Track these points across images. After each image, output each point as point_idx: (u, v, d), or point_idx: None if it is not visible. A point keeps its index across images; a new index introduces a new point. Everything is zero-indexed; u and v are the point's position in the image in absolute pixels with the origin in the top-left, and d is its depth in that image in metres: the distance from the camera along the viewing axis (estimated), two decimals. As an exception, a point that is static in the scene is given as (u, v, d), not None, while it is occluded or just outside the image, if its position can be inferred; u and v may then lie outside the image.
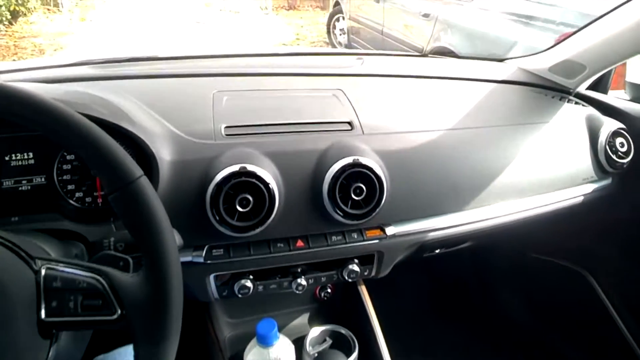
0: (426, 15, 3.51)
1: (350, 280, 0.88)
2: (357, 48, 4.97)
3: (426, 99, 1.03)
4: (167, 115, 0.82)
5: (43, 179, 0.73)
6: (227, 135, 0.80)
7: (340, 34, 5.47)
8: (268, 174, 0.75)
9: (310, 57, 1.33)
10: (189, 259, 0.77)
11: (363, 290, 1.02)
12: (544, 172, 0.99)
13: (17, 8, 7.11)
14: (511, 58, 1.37)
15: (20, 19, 7.35)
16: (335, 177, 0.78)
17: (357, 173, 0.78)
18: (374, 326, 0.97)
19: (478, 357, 1.42)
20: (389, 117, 0.92)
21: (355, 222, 0.81)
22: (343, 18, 5.35)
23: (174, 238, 0.52)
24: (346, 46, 5.33)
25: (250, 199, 0.73)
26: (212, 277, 0.81)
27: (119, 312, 0.48)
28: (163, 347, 0.48)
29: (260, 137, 0.82)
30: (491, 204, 0.93)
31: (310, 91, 0.98)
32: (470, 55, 1.53)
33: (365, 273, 0.90)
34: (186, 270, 0.78)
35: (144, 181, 0.51)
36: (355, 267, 0.87)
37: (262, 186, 0.73)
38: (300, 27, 7.79)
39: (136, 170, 0.51)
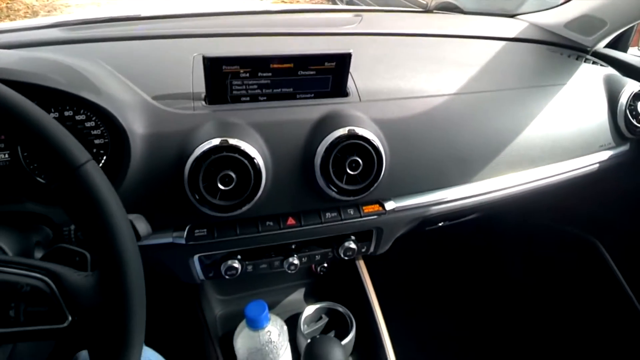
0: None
1: (346, 258, 0.82)
2: (358, 3, 4.76)
3: (431, 60, 0.93)
4: (142, 81, 0.73)
5: (6, 155, 0.66)
6: (207, 104, 0.72)
7: (341, -12, 5.22)
8: (252, 148, 0.67)
9: (305, 14, 1.22)
10: (169, 240, 0.71)
11: (361, 265, 0.97)
12: (559, 139, 0.90)
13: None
14: (523, 13, 1.27)
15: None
16: (328, 150, 0.70)
17: (353, 145, 0.71)
18: (372, 304, 0.92)
19: (482, 334, 1.39)
20: (389, 81, 0.83)
21: (351, 198, 0.74)
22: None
23: (130, 231, 0.44)
24: (347, 2, 5.11)
25: (233, 175, 0.66)
26: (196, 258, 0.75)
27: (70, 319, 0.41)
28: (124, 357, 0.42)
29: (244, 104, 0.73)
30: (501, 174, 0.85)
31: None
32: (478, 11, 1.41)
33: (363, 250, 0.84)
34: (167, 252, 0.73)
35: (90, 167, 0.43)
36: (352, 245, 0.81)
37: (246, 161, 0.66)
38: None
39: (80, 155, 0.43)
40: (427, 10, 1.33)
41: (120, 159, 0.66)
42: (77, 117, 0.66)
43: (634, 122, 0.96)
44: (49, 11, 5.81)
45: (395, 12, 1.31)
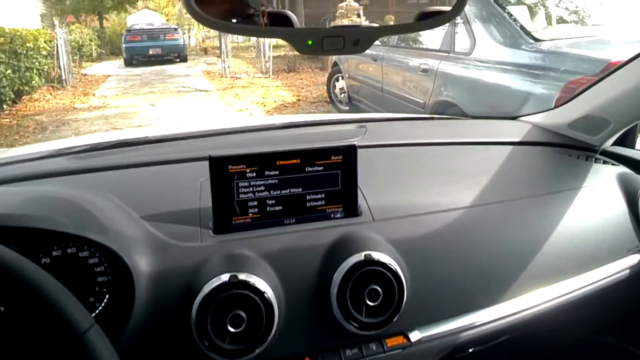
0: (425, 71, 3.49)
1: None
2: (358, 106, 4.97)
3: (440, 170, 0.92)
4: (147, 212, 0.71)
5: None
6: (215, 234, 0.69)
7: (341, 93, 5.51)
8: (263, 282, 0.63)
9: (309, 128, 1.24)
10: None
11: None
12: (583, 246, 0.85)
13: (21, 87, 7.31)
14: (524, 115, 1.28)
15: (24, 97, 7.57)
16: (345, 278, 0.65)
17: (371, 272, 0.66)
18: None
19: None
20: (401, 196, 0.81)
21: (372, 332, 0.68)
22: (342, 77, 5.41)
23: None
24: (347, 104, 5.35)
25: (244, 315, 0.61)
26: None
27: None
28: None
29: (253, 232, 0.70)
30: (530, 290, 0.79)
31: None
32: (476, 112, 1.44)
33: None
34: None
35: (94, 334, 0.40)
36: None
37: (257, 298, 0.61)
38: (301, 89, 7.92)
39: (84, 320, 0.40)
40: (429, 117, 1.35)
41: (124, 298, 0.63)
42: (81, 254, 0.64)
43: (658, 220, 0.92)
44: (57, 126, 6.10)
45: (398, 120, 1.34)
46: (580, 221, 0.87)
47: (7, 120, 6.52)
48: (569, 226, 0.85)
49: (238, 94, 7.87)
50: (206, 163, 0.68)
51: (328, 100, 6.03)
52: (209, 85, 9.11)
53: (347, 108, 5.35)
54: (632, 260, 0.90)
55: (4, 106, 6.76)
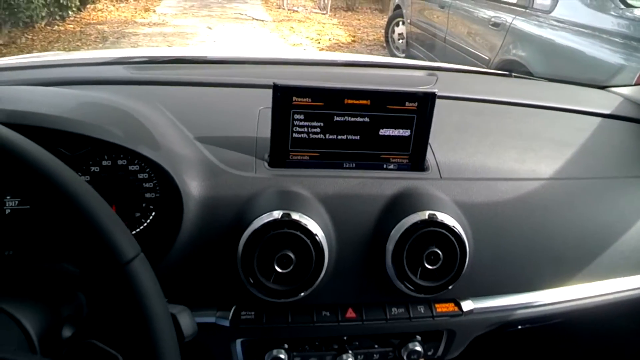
0: (496, 25, 3.23)
1: None
2: (416, 54, 4.73)
3: (520, 134, 0.82)
4: (203, 134, 0.67)
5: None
6: (270, 167, 0.64)
7: (399, 39, 5.24)
8: (316, 225, 0.58)
9: (374, 69, 1.15)
10: (212, 320, 0.62)
11: None
12: None
13: (86, -5, 7.39)
14: (615, 86, 1.14)
15: (88, 5, 7.66)
16: (404, 236, 0.60)
17: (432, 233, 0.60)
18: None
19: None
20: (473, 156, 0.73)
21: (424, 296, 0.63)
22: (403, 22, 5.12)
23: (173, 335, 0.39)
24: (404, 52, 5.11)
25: (293, 257, 0.57)
26: (238, 343, 0.66)
27: None
28: None
29: (310, 171, 0.65)
30: (599, 279, 0.72)
31: None
32: (551, 76, 1.30)
33: (429, 353, 0.72)
34: (208, 332, 0.64)
35: (139, 264, 0.36)
36: (418, 347, 0.69)
37: (308, 241, 0.57)
38: (357, 30, 7.62)
39: (130, 249, 0.37)
40: (507, 74, 1.23)
41: (170, 219, 0.60)
42: (131, 167, 0.61)
43: None
44: (117, 38, 6.19)
45: (471, 72, 1.22)
46: None
47: (72, 26, 6.65)
48: None
49: (294, 27, 7.65)
50: (267, 91, 0.63)
51: (384, 44, 5.77)
52: (265, 15, 8.89)
53: (403, 55, 5.10)
54: None
55: (70, 12, 6.85)
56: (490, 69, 3.14)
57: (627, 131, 0.94)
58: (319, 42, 6.70)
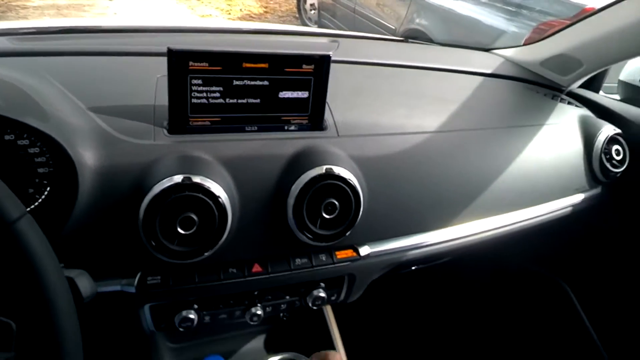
0: (402, -5, 3.35)
1: (315, 307, 0.76)
2: (327, 25, 4.77)
3: (410, 93, 0.89)
4: (96, 104, 0.65)
5: None
6: (170, 133, 0.65)
7: (311, 9, 5.24)
8: (218, 187, 0.60)
9: (279, 36, 1.16)
10: (117, 288, 0.62)
11: (328, 311, 0.90)
12: (537, 182, 0.88)
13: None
14: (497, 48, 1.26)
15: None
16: (303, 190, 0.64)
17: (330, 186, 0.65)
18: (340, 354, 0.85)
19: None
20: (368, 115, 0.78)
21: (324, 244, 0.68)
22: (314, -7, 5.11)
23: (69, 296, 0.37)
24: (316, 22, 5.12)
25: (196, 218, 0.58)
26: (146, 308, 0.67)
27: None
28: None
29: (211, 136, 0.66)
30: (478, 218, 0.81)
31: None
32: (450, 42, 1.40)
33: (333, 298, 0.77)
34: (115, 301, 0.64)
35: (25, 223, 0.36)
36: (322, 293, 0.74)
37: (210, 202, 0.59)
38: (270, 1, 7.48)
39: (14, 209, 0.36)
40: (403, 39, 1.30)
41: (66, 192, 0.58)
42: (20, 142, 0.58)
43: (608, 165, 0.95)
44: (3, 12, 5.55)
45: (370, 39, 1.28)
46: (538, 157, 0.88)
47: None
48: (527, 161, 0.86)
49: (202, -3, 7.33)
50: (164, 59, 0.62)
51: (297, 15, 5.74)
52: (171, -16, 8.41)
53: (316, 26, 5.11)
54: (576, 199, 0.95)
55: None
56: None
57: (506, 88, 1.05)
58: (229, 13, 6.49)
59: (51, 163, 0.59)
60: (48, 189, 0.59)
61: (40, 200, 0.60)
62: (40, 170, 0.59)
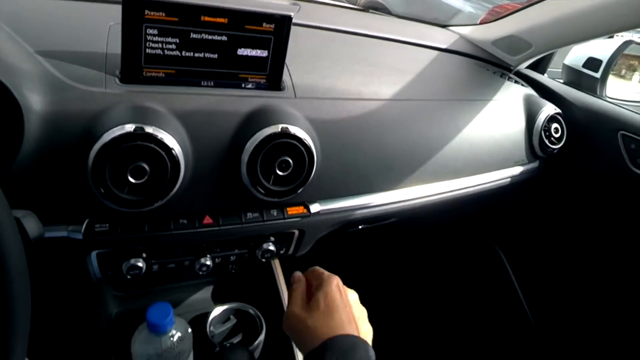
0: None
1: (264, 260, 0.78)
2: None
3: (368, 61, 0.91)
4: (44, 48, 0.62)
5: None
6: (122, 82, 0.63)
7: (274, -27, 5.10)
8: (172, 138, 0.60)
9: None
10: (63, 234, 0.61)
11: (276, 264, 0.92)
12: (480, 153, 0.93)
13: None
14: (454, 25, 1.29)
15: None
16: (258, 147, 0.64)
17: (285, 144, 0.66)
18: (284, 306, 0.88)
19: (389, 333, 1.41)
20: (326, 79, 0.79)
21: (276, 200, 0.69)
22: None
23: (16, 232, 0.37)
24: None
25: (147, 168, 0.58)
26: (93, 255, 0.66)
27: None
28: None
29: (166, 88, 0.65)
30: (424, 183, 0.86)
31: None
32: (407, 15, 1.42)
33: (282, 252, 0.80)
34: (61, 247, 0.63)
35: None
36: (271, 247, 0.76)
37: (163, 153, 0.58)
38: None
39: None
40: (363, 9, 1.31)
41: (10, 137, 0.56)
42: None
43: (547, 142, 1.02)
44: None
45: (331, 5, 1.28)
46: (483, 130, 0.93)
47: None
48: (472, 133, 0.91)
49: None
50: (117, 7, 0.60)
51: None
52: None
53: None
54: (515, 171, 1.01)
55: None
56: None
57: (459, 63, 1.09)
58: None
59: None
60: None
61: None
62: None
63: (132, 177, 0.58)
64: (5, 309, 0.35)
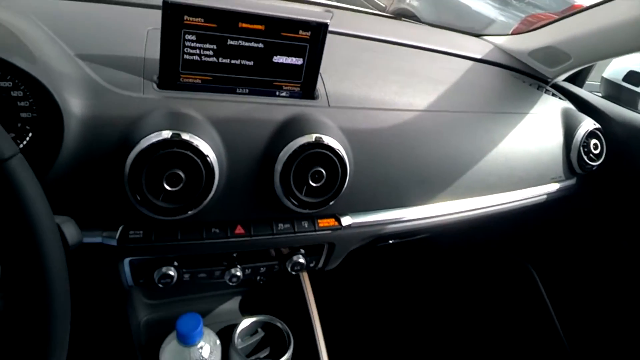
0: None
1: (293, 273, 0.77)
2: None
3: (402, 71, 0.89)
4: (84, 52, 0.63)
5: None
6: (160, 88, 0.63)
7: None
8: (207, 146, 0.59)
9: (273, 1, 1.13)
10: (98, 240, 0.61)
11: (305, 278, 0.91)
12: (516, 168, 0.90)
13: None
14: (488, 35, 1.27)
15: None
16: (291, 157, 0.63)
17: (318, 154, 0.65)
18: (313, 321, 0.86)
19: (419, 353, 1.39)
20: (360, 88, 0.78)
21: (308, 211, 0.68)
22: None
23: (57, 240, 0.37)
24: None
25: (182, 175, 0.57)
26: (126, 262, 0.66)
27: None
28: None
29: (202, 94, 0.65)
30: (458, 198, 0.83)
31: None
32: (438, 23, 1.39)
33: (311, 265, 0.79)
34: (95, 253, 0.63)
35: (17, 163, 0.35)
36: (301, 259, 0.75)
37: (198, 160, 0.58)
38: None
39: (5, 147, 0.35)
40: (395, 16, 1.29)
41: (50, 140, 0.57)
42: (2, 84, 0.55)
43: (586, 159, 0.98)
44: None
45: (364, 13, 1.26)
46: (519, 144, 0.90)
47: None
48: (509, 147, 0.88)
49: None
50: (157, 12, 0.60)
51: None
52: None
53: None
54: (551, 188, 0.98)
55: None
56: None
57: (495, 74, 1.07)
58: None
59: (34, 108, 0.57)
60: (30, 134, 0.58)
61: (21, 145, 0.58)
62: (23, 115, 0.57)
63: (167, 184, 0.57)
64: (47, 316, 0.35)
